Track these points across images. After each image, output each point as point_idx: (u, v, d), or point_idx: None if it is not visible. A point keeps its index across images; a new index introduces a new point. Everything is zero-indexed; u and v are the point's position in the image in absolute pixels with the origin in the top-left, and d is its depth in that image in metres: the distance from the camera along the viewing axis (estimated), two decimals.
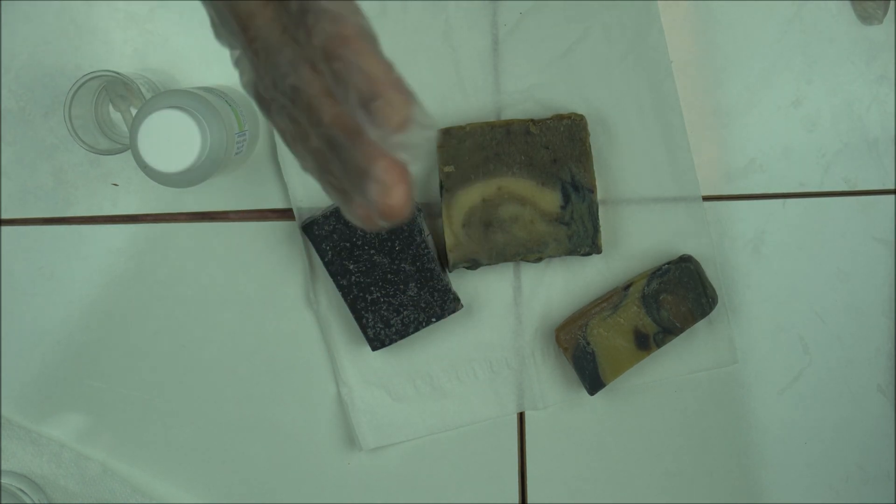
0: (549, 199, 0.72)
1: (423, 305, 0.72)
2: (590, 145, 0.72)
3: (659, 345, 0.73)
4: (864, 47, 0.75)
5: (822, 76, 0.75)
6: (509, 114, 0.73)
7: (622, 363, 0.73)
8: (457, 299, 0.72)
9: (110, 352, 0.75)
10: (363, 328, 0.72)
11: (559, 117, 0.71)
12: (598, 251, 0.72)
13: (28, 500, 0.73)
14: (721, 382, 0.76)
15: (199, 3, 0.73)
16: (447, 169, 0.71)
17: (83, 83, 0.68)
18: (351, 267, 0.71)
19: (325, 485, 0.76)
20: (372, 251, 0.71)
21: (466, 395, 0.75)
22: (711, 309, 0.73)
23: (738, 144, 0.75)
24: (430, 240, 0.72)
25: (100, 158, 0.74)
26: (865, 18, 0.73)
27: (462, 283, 0.75)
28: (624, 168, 0.74)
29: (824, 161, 0.75)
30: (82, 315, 0.75)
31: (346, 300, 0.72)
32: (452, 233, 0.72)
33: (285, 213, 0.74)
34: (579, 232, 0.72)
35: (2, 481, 0.73)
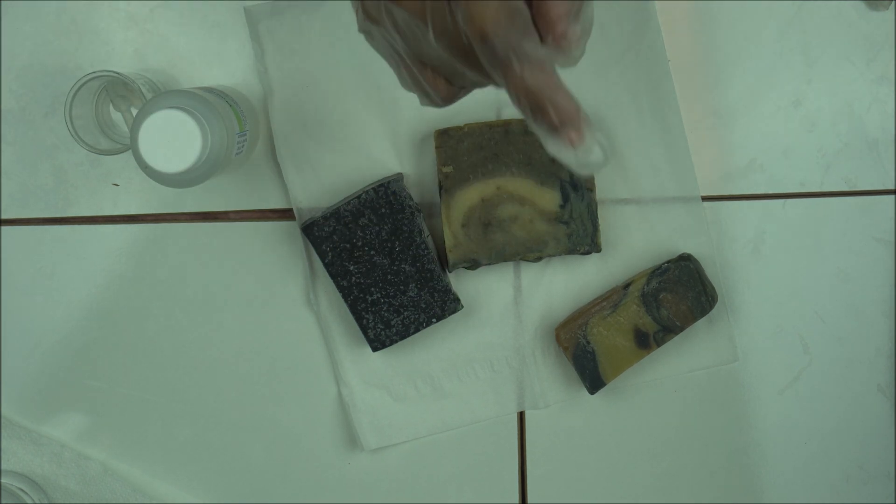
0: (549, 199, 0.72)
1: (423, 306, 0.72)
2: None
3: (659, 343, 0.73)
4: (864, 48, 0.75)
5: (822, 76, 0.75)
6: (508, 113, 0.73)
7: (622, 362, 0.73)
8: (457, 299, 0.72)
9: (110, 352, 0.75)
10: (363, 329, 0.72)
11: None
12: (598, 250, 0.72)
13: (28, 500, 0.73)
14: (721, 382, 0.76)
15: (200, 4, 0.73)
16: (446, 169, 0.71)
17: (84, 83, 0.68)
18: (351, 268, 0.71)
19: (325, 485, 0.76)
20: (372, 252, 0.71)
21: (467, 395, 0.76)
22: (711, 307, 0.73)
23: (738, 144, 0.75)
24: (429, 240, 0.72)
25: (100, 158, 0.74)
26: (872, 3, 0.73)
27: (462, 283, 0.75)
28: (623, 167, 0.74)
29: (824, 161, 0.75)
30: (82, 315, 0.75)
31: (346, 301, 0.72)
32: (452, 233, 0.72)
33: (285, 213, 0.74)
34: (578, 231, 0.72)
35: (2, 481, 0.73)
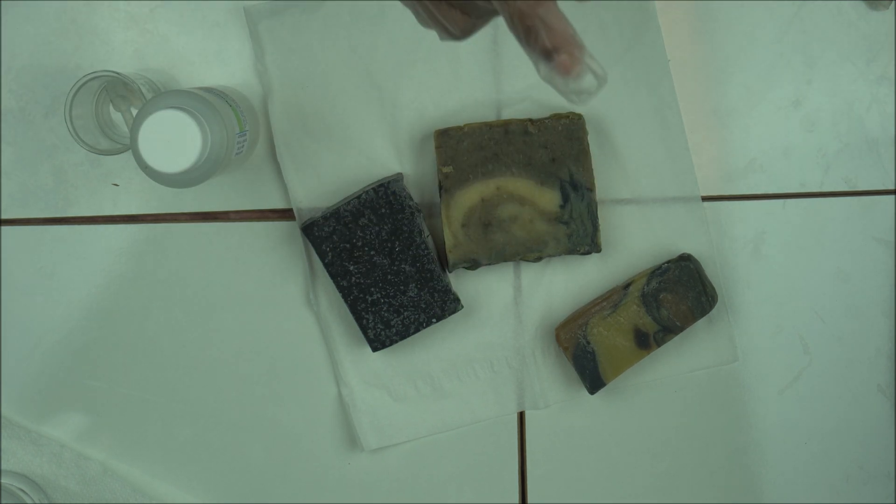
0: (548, 199, 0.72)
1: (423, 306, 0.72)
2: (588, 144, 0.72)
3: (659, 343, 0.73)
4: (864, 47, 0.75)
5: (822, 76, 0.75)
6: (508, 114, 0.73)
7: (622, 362, 0.73)
8: (457, 300, 0.72)
9: (110, 352, 0.75)
10: (363, 329, 0.72)
11: (557, 116, 0.71)
12: (598, 250, 0.72)
13: (28, 500, 0.73)
14: (721, 382, 0.76)
15: (200, 4, 0.73)
16: (446, 169, 0.71)
17: (84, 83, 0.68)
18: (351, 268, 0.71)
19: (325, 485, 0.76)
20: (372, 252, 0.71)
21: (467, 395, 0.75)
22: (711, 307, 0.73)
23: (738, 144, 0.75)
24: (429, 240, 0.72)
25: (100, 158, 0.74)
26: (872, 3, 0.73)
27: (462, 283, 0.75)
28: (623, 167, 0.74)
29: (824, 161, 0.75)
30: (82, 315, 0.75)
31: (346, 301, 0.72)
32: (452, 233, 0.72)
33: (285, 213, 0.74)
34: (578, 231, 0.72)
35: (2, 481, 0.73)
